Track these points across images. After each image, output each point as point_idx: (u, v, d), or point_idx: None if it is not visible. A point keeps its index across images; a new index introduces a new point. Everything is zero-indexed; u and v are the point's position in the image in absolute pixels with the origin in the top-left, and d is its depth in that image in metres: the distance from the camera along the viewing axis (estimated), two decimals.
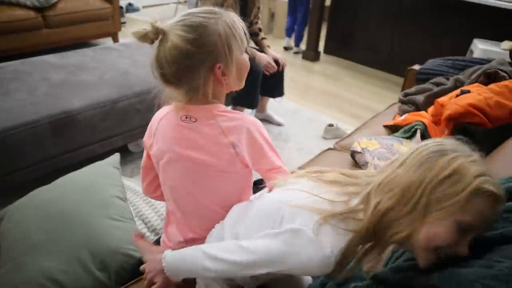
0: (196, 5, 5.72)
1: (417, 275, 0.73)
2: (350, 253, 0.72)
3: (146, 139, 1.13)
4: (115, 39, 4.44)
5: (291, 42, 4.86)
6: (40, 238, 1.52)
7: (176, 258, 0.92)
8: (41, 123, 1.93)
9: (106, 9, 4.17)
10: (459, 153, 0.70)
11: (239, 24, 1.00)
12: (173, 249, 1.14)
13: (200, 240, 1.10)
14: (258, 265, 0.78)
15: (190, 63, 0.94)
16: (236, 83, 1.04)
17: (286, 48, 4.88)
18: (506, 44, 3.26)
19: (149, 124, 1.13)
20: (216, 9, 0.98)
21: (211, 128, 1.00)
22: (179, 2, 5.60)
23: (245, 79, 1.07)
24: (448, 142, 0.73)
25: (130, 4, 5.84)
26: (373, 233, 0.72)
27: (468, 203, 0.66)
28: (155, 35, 0.94)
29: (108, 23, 4.27)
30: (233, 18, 0.99)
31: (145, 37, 0.94)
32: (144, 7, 6.15)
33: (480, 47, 3.32)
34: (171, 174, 1.08)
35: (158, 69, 0.97)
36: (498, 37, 3.46)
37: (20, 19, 3.57)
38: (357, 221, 0.74)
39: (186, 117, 1.02)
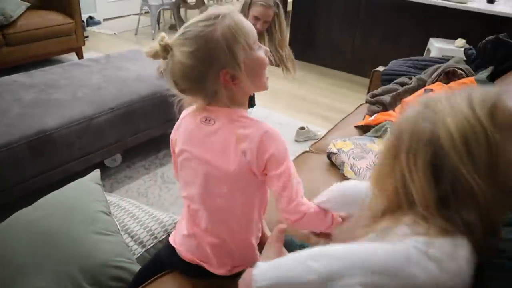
0: (158, 17, 5.73)
1: None
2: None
3: (173, 135, 1.13)
4: (79, 54, 4.39)
5: None
6: (27, 259, 1.51)
7: (270, 264, 0.75)
8: (18, 144, 1.91)
9: (68, 24, 4.12)
10: None
11: (242, 23, 0.97)
12: (177, 243, 1.17)
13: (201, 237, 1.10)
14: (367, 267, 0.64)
15: (197, 75, 0.95)
16: (255, 83, 1.02)
17: None
18: (459, 42, 3.46)
19: (177, 121, 1.14)
20: (217, 11, 0.96)
21: (228, 133, 0.99)
22: (141, 14, 5.58)
23: (264, 76, 1.04)
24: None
25: (90, 18, 5.77)
26: None
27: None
28: (164, 52, 0.95)
29: (71, 38, 4.22)
30: (235, 18, 0.96)
31: (157, 55, 0.95)
32: (105, 19, 6.09)
33: (436, 46, 3.51)
34: (186, 172, 1.09)
35: (172, 83, 0.99)
36: (452, 36, 3.67)
37: None
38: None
39: (206, 119, 1.02)
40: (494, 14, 3.46)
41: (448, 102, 0.68)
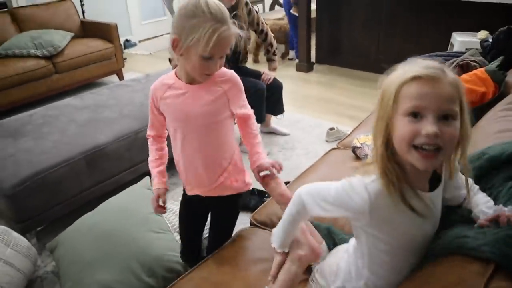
0: None
1: None
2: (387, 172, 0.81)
3: None
4: (120, 75, 4.72)
5: (294, 54, 5.18)
6: (93, 257, 1.76)
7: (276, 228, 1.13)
8: (76, 159, 2.18)
9: (109, 49, 4.47)
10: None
11: (217, 42, 1.13)
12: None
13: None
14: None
15: (173, 21, 1.19)
16: (187, 68, 1.22)
17: (290, 59, 5.24)
18: (482, 33, 3.50)
19: None
20: (221, 23, 1.14)
21: None
22: None
23: (198, 76, 1.22)
24: None
25: (127, 41, 6.15)
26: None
27: (400, 97, 0.78)
28: None
29: (112, 61, 4.56)
30: (218, 34, 1.13)
31: None
32: (140, 41, 6.45)
33: (459, 40, 3.57)
34: None
35: None
36: (474, 29, 3.72)
37: (32, 69, 3.86)
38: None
39: None
40: None
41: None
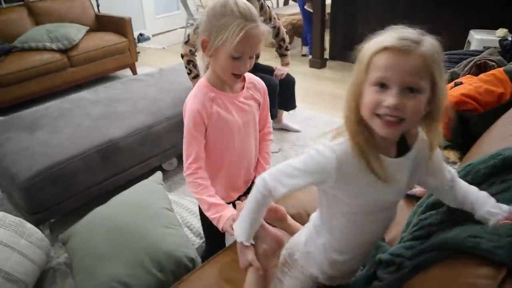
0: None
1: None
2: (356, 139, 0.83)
3: None
4: (133, 69, 4.76)
5: (308, 50, 5.17)
6: (105, 250, 1.78)
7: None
8: (90, 152, 2.20)
9: (123, 43, 4.50)
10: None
11: (246, 41, 1.12)
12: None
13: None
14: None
15: (201, 23, 1.17)
16: (217, 68, 1.21)
17: (304, 55, 5.23)
18: (500, 31, 3.44)
19: None
20: (250, 21, 1.14)
21: None
22: (187, 27, 5.90)
23: (227, 76, 1.21)
24: None
25: (141, 35, 6.18)
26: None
27: (370, 66, 0.80)
28: None
29: (126, 55, 4.60)
30: (248, 32, 1.12)
31: None
32: (153, 35, 6.48)
33: (476, 37, 3.51)
34: None
35: None
36: (493, 26, 3.65)
37: (48, 62, 3.91)
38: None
39: None
40: None
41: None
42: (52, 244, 2.16)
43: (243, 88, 1.32)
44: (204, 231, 1.69)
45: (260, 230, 1.09)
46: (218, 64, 1.19)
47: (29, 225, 1.94)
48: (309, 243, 1.04)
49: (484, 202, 0.91)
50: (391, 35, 0.79)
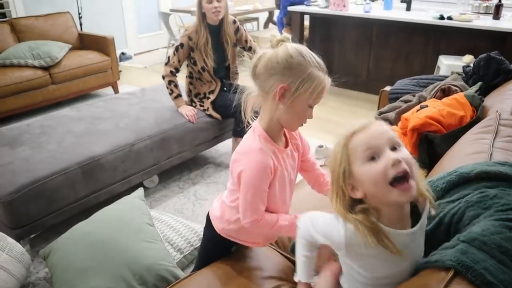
0: None
1: None
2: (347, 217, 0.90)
3: None
4: (115, 88, 4.81)
5: None
6: (86, 264, 1.82)
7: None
8: (72, 169, 2.25)
9: (105, 62, 4.56)
10: None
11: (323, 89, 1.16)
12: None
13: None
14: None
15: (274, 68, 1.14)
16: (287, 118, 1.19)
17: None
18: (467, 58, 3.66)
19: None
20: (325, 73, 1.18)
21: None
22: (169, 47, 6.01)
23: (296, 126, 1.25)
24: None
25: (123, 53, 6.24)
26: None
27: (350, 153, 0.89)
28: (277, 43, 1.18)
29: (108, 74, 4.66)
30: (325, 83, 1.17)
31: (274, 43, 1.18)
32: (135, 54, 6.56)
33: (445, 63, 3.72)
34: None
35: (257, 59, 1.18)
36: (461, 52, 3.88)
37: (29, 79, 3.94)
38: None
39: None
40: (499, 30, 3.65)
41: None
42: (32, 259, 2.18)
43: (286, 139, 1.32)
44: (200, 255, 1.63)
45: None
46: (290, 112, 1.17)
47: (10, 240, 1.96)
48: None
49: None
50: (347, 128, 0.91)
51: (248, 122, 1.29)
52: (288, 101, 1.15)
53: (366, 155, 0.86)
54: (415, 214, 0.94)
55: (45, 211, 2.19)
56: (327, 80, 1.18)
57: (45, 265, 2.07)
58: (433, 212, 0.97)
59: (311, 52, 1.18)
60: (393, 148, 0.86)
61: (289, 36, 1.26)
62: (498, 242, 0.85)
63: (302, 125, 1.24)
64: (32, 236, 2.34)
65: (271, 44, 1.19)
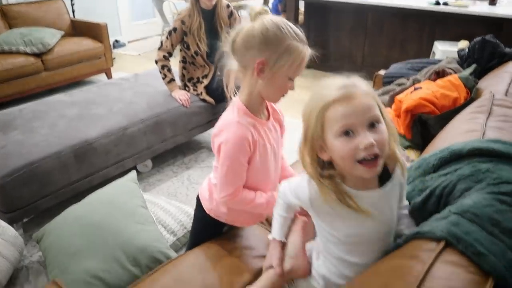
0: None
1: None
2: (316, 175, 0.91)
3: None
4: (109, 75, 4.77)
5: None
6: (80, 246, 1.81)
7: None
8: (65, 152, 2.23)
9: (98, 48, 4.52)
10: None
11: (302, 60, 1.15)
12: None
13: None
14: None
15: (251, 42, 1.12)
16: (267, 91, 1.19)
17: None
18: (462, 43, 3.64)
19: None
20: (305, 44, 1.16)
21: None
22: (163, 34, 5.95)
23: (277, 98, 1.23)
24: None
25: (116, 41, 6.18)
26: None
27: (326, 121, 0.86)
28: (256, 15, 1.15)
29: (101, 60, 4.61)
30: (304, 54, 1.16)
31: (253, 15, 1.15)
32: (129, 42, 6.50)
33: (440, 49, 3.71)
34: None
35: (235, 34, 1.16)
36: (457, 38, 3.86)
37: (22, 66, 3.89)
38: None
39: None
40: (495, 16, 3.64)
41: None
42: (25, 243, 2.17)
43: (268, 112, 1.32)
44: (192, 236, 1.64)
45: (299, 251, 1.14)
46: (270, 85, 1.17)
47: (3, 223, 1.95)
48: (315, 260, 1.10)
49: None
50: (329, 89, 0.87)
51: (231, 97, 1.28)
52: (267, 75, 1.14)
53: (341, 130, 0.84)
54: (387, 175, 0.94)
55: (38, 195, 2.18)
56: (307, 51, 1.17)
57: (38, 249, 2.07)
58: (402, 180, 0.98)
59: (289, 24, 1.15)
60: (371, 125, 0.84)
61: (267, 8, 1.23)
62: (489, 215, 0.85)
63: (283, 96, 1.23)
64: (25, 220, 2.33)
65: (250, 17, 1.17)
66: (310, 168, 0.90)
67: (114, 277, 1.72)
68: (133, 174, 2.18)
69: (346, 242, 0.96)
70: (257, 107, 1.25)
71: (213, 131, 1.26)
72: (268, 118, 1.31)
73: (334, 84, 0.87)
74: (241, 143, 1.19)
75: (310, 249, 1.16)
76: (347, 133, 0.84)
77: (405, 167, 0.95)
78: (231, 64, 1.22)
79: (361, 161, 0.83)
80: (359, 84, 0.87)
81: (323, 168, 0.91)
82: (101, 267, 1.74)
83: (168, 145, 2.80)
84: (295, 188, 1.00)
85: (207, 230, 1.50)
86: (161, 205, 2.18)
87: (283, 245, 1.17)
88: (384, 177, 0.94)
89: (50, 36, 4.16)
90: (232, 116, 1.22)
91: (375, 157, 0.83)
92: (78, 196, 2.26)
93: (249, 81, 1.19)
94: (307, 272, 1.11)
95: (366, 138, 0.82)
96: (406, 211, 1.06)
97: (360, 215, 0.89)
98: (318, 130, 0.87)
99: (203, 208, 1.44)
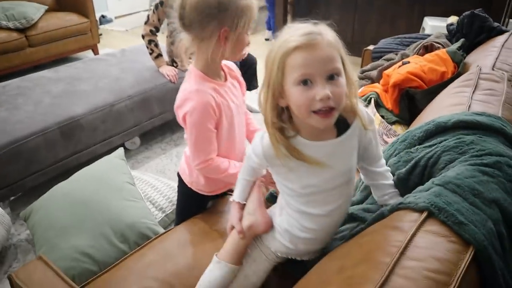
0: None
1: None
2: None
3: None
4: (95, 51, 4.67)
5: (271, 34, 5.23)
6: (67, 223, 1.81)
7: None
8: (51, 129, 2.21)
9: (84, 24, 4.40)
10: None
11: (255, 13, 1.19)
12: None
13: None
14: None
15: (206, 13, 1.13)
16: (231, 52, 1.21)
17: (267, 39, 5.26)
18: (452, 19, 3.62)
19: None
20: None
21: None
22: (151, 9, 5.82)
23: (240, 55, 1.26)
24: None
25: (103, 16, 6.05)
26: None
27: (286, 67, 0.84)
28: None
29: (87, 36, 4.51)
30: (255, 6, 1.18)
31: None
32: (116, 17, 6.36)
33: (430, 24, 3.69)
34: None
35: (180, 9, 1.16)
36: (447, 14, 3.83)
37: (4, 41, 3.78)
38: None
39: None
40: None
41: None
42: (13, 222, 2.16)
43: (224, 73, 1.33)
44: (177, 212, 1.66)
45: (258, 207, 1.14)
46: (236, 47, 1.20)
47: None
48: (274, 221, 1.11)
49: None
50: (293, 35, 0.84)
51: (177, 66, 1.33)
52: (231, 40, 1.17)
53: (299, 79, 0.83)
54: (345, 125, 0.94)
55: (24, 173, 2.17)
56: (255, 3, 1.19)
57: (26, 227, 2.06)
58: (364, 133, 0.97)
59: None
60: (330, 77, 0.83)
61: None
62: (471, 185, 0.86)
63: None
64: (12, 198, 2.31)
65: None
66: (269, 115, 0.89)
67: (102, 253, 1.72)
68: (120, 151, 2.16)
69: (303, 194, 0.97)
70: (214, 71, 1.27)
71: (175, 103, 1.27)
72: (226, 78, 1.33)
73: (299, 30, 0.85)
74: (204, 109, 1.20)
75: (273, 206, 1.18)
76: (305, 82, 0.82)
77: (367, 120, 0.94)
78: (181, 37, 1.23)
79: (316, 111, 0.83)
80: (325, 33, 0.86)
81: (282, 115, 0.91)
82: (89, 243, 1.74)
83: (156, 121, 2.78)
84: (253, 146, 1.01)
85: (192, 204, 1.52)
86: (149, 182, 2.18)
87: (243, 206, 1.18)
88: (344, 130, 0.94)
89: (33, 11, 4.04)
90: (190, 85, 1.23)
91: (330, 109, 0.83)
92: (66, 173, 2.24)
93: (206, 49, 1.19)
94: (269, 227, 1.11)
95: (323, 90, 0.81)
96: (382, 169, 1.05)
97: (313, 166, 0.90)
98: (279, 76, 0.85)
99: (185, 183, 1.45)
